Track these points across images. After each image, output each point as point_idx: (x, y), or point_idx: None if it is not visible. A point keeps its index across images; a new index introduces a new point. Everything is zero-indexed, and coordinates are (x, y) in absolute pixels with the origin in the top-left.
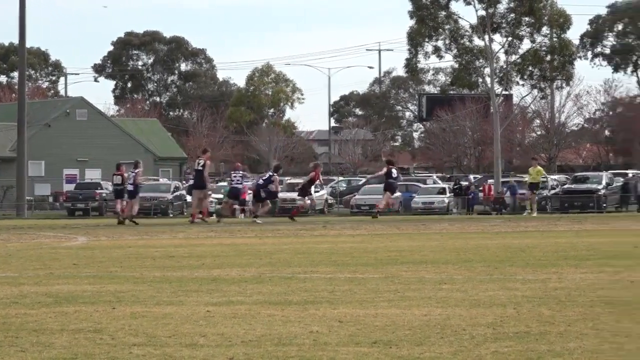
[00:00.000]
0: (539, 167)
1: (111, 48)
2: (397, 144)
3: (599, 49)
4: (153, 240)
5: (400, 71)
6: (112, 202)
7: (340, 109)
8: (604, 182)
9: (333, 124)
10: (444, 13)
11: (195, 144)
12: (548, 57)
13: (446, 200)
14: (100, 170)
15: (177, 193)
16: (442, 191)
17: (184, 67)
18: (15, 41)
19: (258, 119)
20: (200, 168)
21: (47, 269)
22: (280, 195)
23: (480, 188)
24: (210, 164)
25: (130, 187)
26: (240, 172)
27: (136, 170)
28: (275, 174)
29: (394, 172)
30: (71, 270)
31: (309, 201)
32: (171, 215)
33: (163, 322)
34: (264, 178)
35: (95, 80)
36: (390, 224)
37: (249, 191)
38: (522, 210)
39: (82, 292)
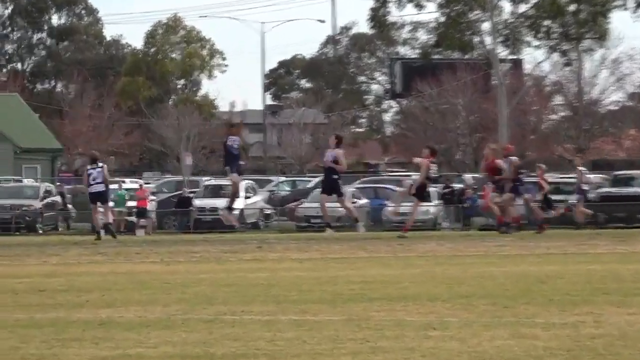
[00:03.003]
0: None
1: None
2: (360, 129)
3: None
4: (15, 266)
5: (363, 26)
6: None
7: (278, 80)
8: None
9: (269, 101)
10: None
11: (73, 130)
12: (572, 7)
13: (432, 210)
14: None
15: (48, 200)
16: None
17: (55, 20)
18: None
19: (162, 94)
20: None
21: None
22: (197, 202)
23: (481, 192)
24: None
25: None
26: (101, 165)
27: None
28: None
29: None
30: None
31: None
32: (41, 232)
33: None
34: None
35: None
36: (352, 244)
37: (151, 197)
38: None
39: None
